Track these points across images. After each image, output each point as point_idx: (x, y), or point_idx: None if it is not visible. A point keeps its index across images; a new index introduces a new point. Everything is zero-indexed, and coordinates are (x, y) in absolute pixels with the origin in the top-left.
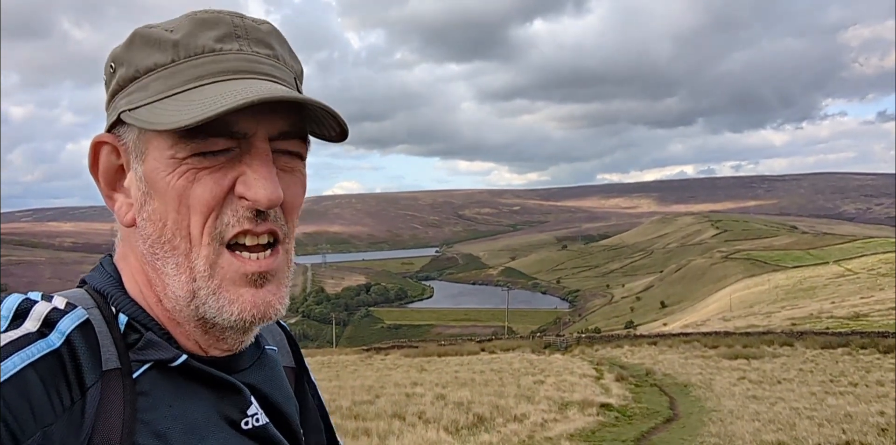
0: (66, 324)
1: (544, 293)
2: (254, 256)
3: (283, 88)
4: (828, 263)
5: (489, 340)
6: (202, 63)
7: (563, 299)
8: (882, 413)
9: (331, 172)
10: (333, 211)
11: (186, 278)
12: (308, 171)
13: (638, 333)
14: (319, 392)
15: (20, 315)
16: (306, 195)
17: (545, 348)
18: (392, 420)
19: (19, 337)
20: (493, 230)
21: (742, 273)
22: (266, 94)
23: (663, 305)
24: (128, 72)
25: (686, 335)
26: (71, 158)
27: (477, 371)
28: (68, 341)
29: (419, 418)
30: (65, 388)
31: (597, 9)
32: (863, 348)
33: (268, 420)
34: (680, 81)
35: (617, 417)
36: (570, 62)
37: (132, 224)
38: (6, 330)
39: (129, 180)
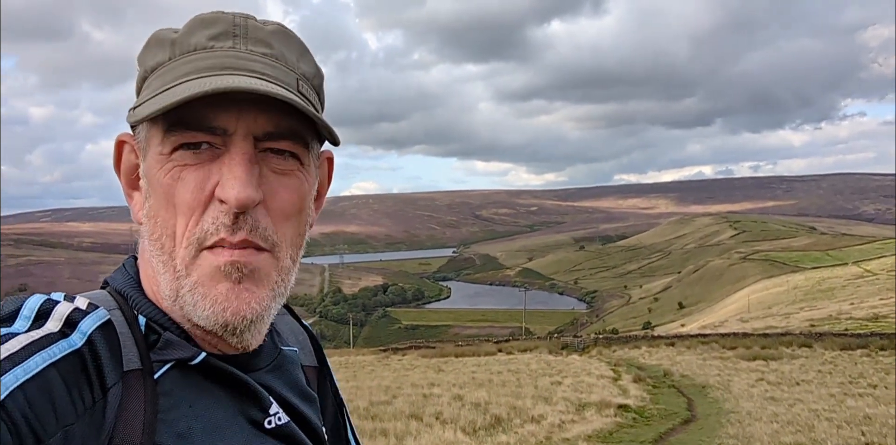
0: (88, 324)
1: (561, 293)
2: (230, 249)
3: (264, 82)
4: (846, 264)
5: (506, 341)
6: (192, 60)
7: (581, 299)
8: None
9: (348, 172)
10: (351, 211)
11: (171, 276)
12: None
13: (656, 334)
14: (341, 393)
15: (42, 316)
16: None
17: (562, 349)
18: (409, 420)
19: (41, 337)
20: (511, 231)
21: (760, 274)
22: (222, 85)
23: (681, 306)
24: (140, 73)
25: (704, 336)
26: (90, 158)
27: (494, 372)
28: (90, 341)
29: (436, 418)
30: (86, 388)
31: (614, 9)
32: (882, 349)
33: (289, 419)
34: (698, 81)
35: (635, 418)
36: (587, 63)
37: (140, 222)
38: (28, 330)
39: (141, 178)
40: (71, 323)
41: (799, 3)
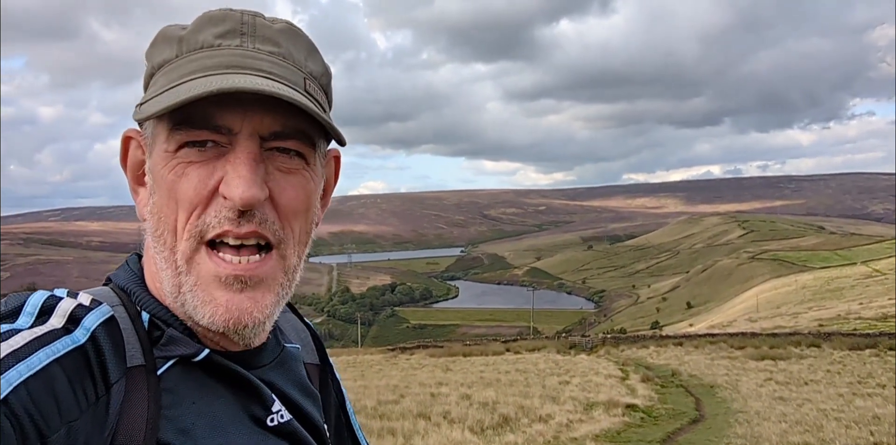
0: (91, 321)
1: (569, 293)
2: (236, 259)
3: (271, 82)
4: (855, 263)
5: (514, 340)
6: (198, 58)
7: (589, 299)
8: None
9: (356, 171)
10: (359, 211)
11: (172, 272)
12: None
13: (664, 333)
14: (343, 389)
15: (46, 312)
16: (332, 195)
17: (570, 348)
18: (417, 419)
19: (45, 333)
20: (519, 230)
21: (769, 274)
22: (227, 84)
23: (689, 305)
24: (148, 69)
25: (712, 335)
26: (99, 158)
27: (502, 372)
28: (93, 337)
29: (444, 418)
30: (90, 384)
31: (622, 9)
32: (891, 349)
33: (292, 417)
34: (706, 80)
35: (643, 418)
36: (596, 62)
37: (144, 219)
38: (32, 327)
39: (147, 174)
40: (74, 319)
41: (807, 3)
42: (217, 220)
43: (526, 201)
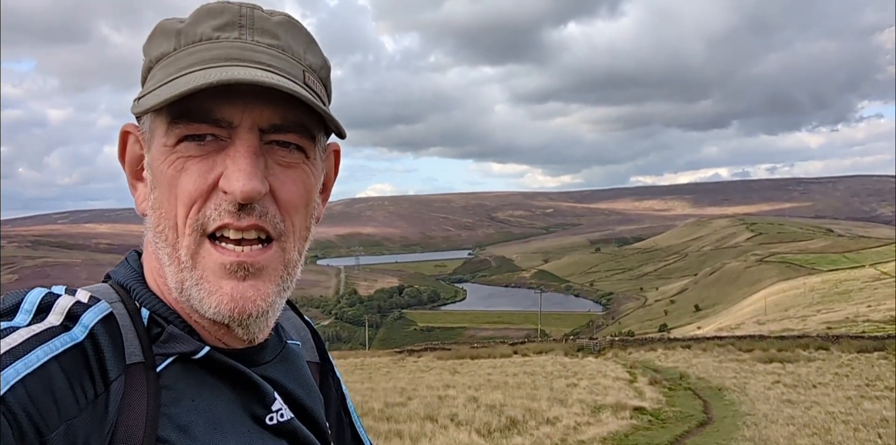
0: (90, 318)
1: (577, 295)
2: (238, 248)
3: (270, 74)
4: (863, 266)
5: (522, 343)
6: (197, 50)
7: (597, 302)
8: None
9: (364, 174)
10: (366, 213)
11: (176, 268)
12: (342, 173)
13: (672, 336)
14: (344, 388)
15: (43, 309)
16: (340, 197)
17: (578, 351)
18: (424, 422)
19: (43, 331)
20: (526, 233)
21: (777, 276)
22: (228, 76)
23: (697, 308)
24: (145, 63)
25: (720, 338)
26: (108, 160)
27: (509, 374)
28: (92, 334)
29: (451, 420)
30: (88, 381)
31: (630, 12)
32: None
33: (293, 416)
34: (714, 83)
35: (650, 421)
36: (603, 65)
37: (144, 214)
38: (30, 324)
39: (145, 169)
40: (72, 317)
41: (815, 5)
42: (217, 213)
43: (533, 203)
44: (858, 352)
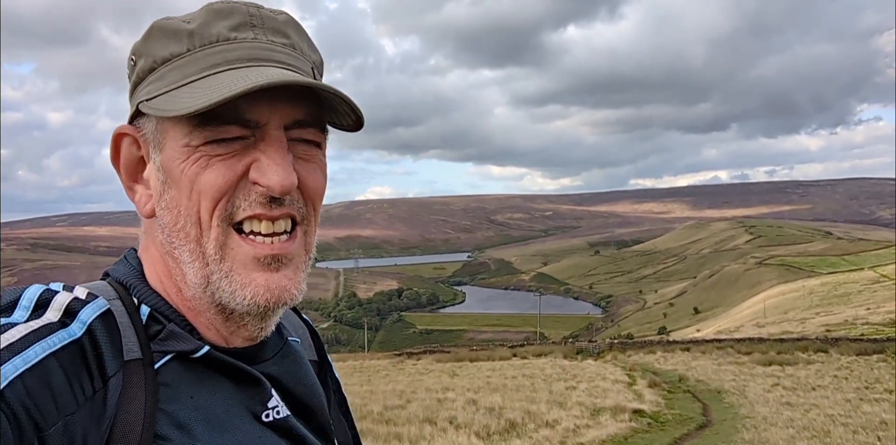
0: (88, 314)
1: (576, 298)
2: (268, 240)
3: (295, 74)
4: (863, 269)
5: (521, 345)
6: (217, 51)
7: (596, 304)
8: None
9: (363, 176)
10: (366, 216)
11: (200, 263)
12: (341, 176)
13: (671, 339)
14: (343, 389)
15: (41, 306)
16: (339, 200)
17: (577, 353)
18: (423, 424)
19: (41, 327)
20: (526, 236)
21: (776, 279)
22: (277, 78)
23: (696, 311)
24: (146, 63)
25: (719, 341)
26: (107, 163)
27: (509, 377)
28: (90, 330)
29: (450, 423)
30: (86, 377)
31: (630, 14)
32: None
33: (289, 413)
34: (713, 86)
35: (649, 423)
36: (603, 68)
37: (151, 215)
38: (28, 320)
39: (149, 170)
40: (70, 313)
41: (815, 8)
42: (248, 203)
43: (533, 206)
44: (857, 355)
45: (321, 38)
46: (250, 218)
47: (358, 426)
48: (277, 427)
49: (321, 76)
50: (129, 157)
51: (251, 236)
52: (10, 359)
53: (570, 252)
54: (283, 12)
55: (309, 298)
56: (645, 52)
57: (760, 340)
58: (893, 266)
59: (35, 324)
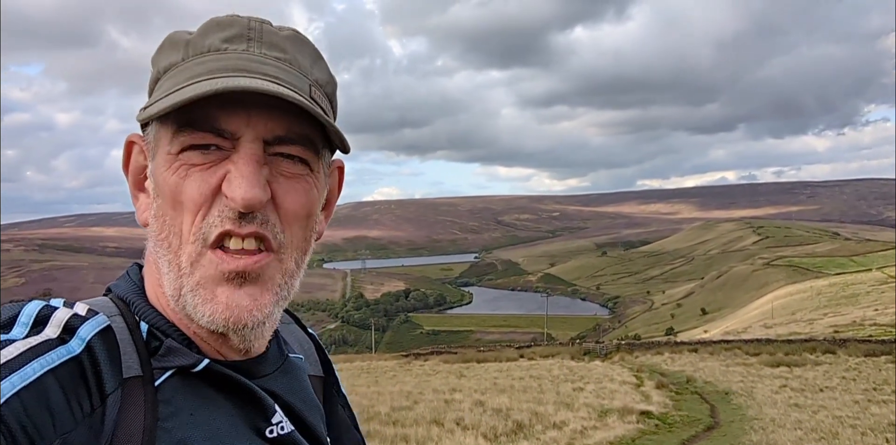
0: (87, 331)
1: (584, 299)
2: (237, 255)
3: (276, 86)
4: (870, 269)
5: (528, 346)
6: (205, 61)
7: (603, 305)
8: None
9: (371, 177)
10: (373, 217)
11: (175, 275)
12: (349, 177)
13: (678, 340)
14: (350, 405)
15: (41, 322)
16: (346, 201)
17: (585, 354)
18: (430, 426)
19: (39, 343)
20: (533, 236)
21: (784, 280)
22: (231, 84)
23: (704, 312)
24: (154, 74)
25: (727, 342)
26: (115, 164)
27: (516, 378)
28: (89, 347)
29: (457, 424)
30: (85, 395)
31: (637, 16)
32: None
33: (293, 428)
34: (720, 86)
35: (657, 425)
36: (610, 69)
37: (146, 224)
38: (26, 336)
39: (148, 179)
40: (70, 329)
41: (822, 10)
42: (219, 219)
43: (540, 207)
44: (866, 356)
45: (328, 40)
46: (222, 235)
47: (365, 427)
48: (282, 443)
49: (326, 95)
50: (137, 165)
51: (221, 250)
52: (7, 376)
53: (578, 253)
54: (289, 29)
55: (316, 299)
56: (652, 53)
57: (768, 341)
58: None
59: (33, 341)
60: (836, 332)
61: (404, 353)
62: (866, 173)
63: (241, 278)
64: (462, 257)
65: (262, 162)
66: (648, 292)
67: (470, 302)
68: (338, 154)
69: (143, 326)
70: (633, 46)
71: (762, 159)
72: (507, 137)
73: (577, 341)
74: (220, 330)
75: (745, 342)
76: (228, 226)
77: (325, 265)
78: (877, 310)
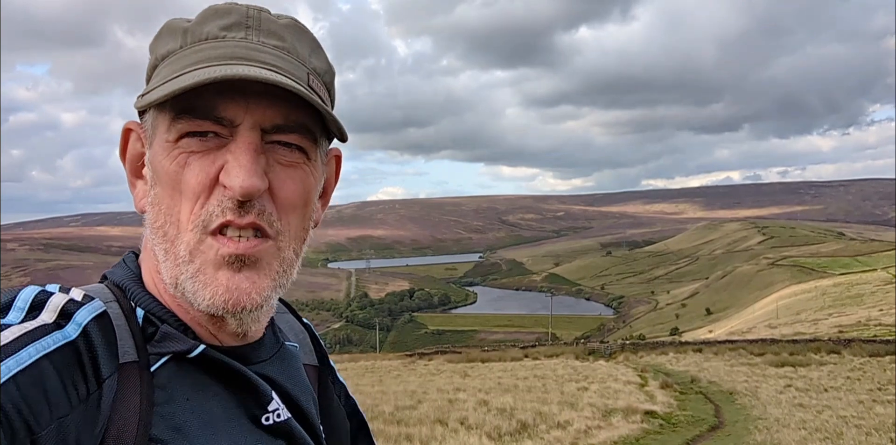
0: (83, 316)
1: (588, 299)
2: (236, 238)
3: (274, 74)
4: (875, 270)
5: (533, 346)
6: (203, 49)
7: (608, 305)
8: None
9: (375, 177)
10: (377, 216)
11: (172, 263)
12: (353, 176)
13: (683, 340)
14: (350, 393)
15: (37, 307)
16: (351, 200)
17: (589, 354)
18: (434, 425)
19: (35, 328)
20: (537, 236)
21: (789, 280)
22: (230, 73)
23: (709, 312)
24: (152, 61)
25: (732, 342)
26: (119, 163)
27: (520, 378)
28: (85, 332)
29: (462, 424)
30: (81, 379)
31: (642, 16)
32: None
33: (290, 416)
34: (725, 86)
35: (661, 424)
36: (615, 68)
37: (143, 211)
38: (22, 321)
39: (146, 166)
40: (66, 314)
41: (826, 9)
42: (220, 209)
43: (544, 206)
44: (870, 356)
45: (333, 40)
46: (223, 225)
47: (369, 427)
48: (278, 430)
49: (324, 84)
50: (134, 152)
51: (222, 237)
52: (3, 361)
53: (582, 253)
54: (288, 17)
55: (321, 298)
56: (657, 53)
57: (773, 341)
58: None
59: (29, 325)
60: (840, 332)
61: (408, 353)
62: (871, 173)
63: (240, 262)
64: (466, 257)
65: (259, 151)
66: (653, 292)
67: (474, 302)
68: (336, 143)
69: (140, 312)
70: (637, 46)
71: (767, 159)
72: (512, 136)
73: (582, 341)
74: (219, 313)
75: (750, 342)
76: (230, 216)
77: (329, 265)
78: (882, 310)
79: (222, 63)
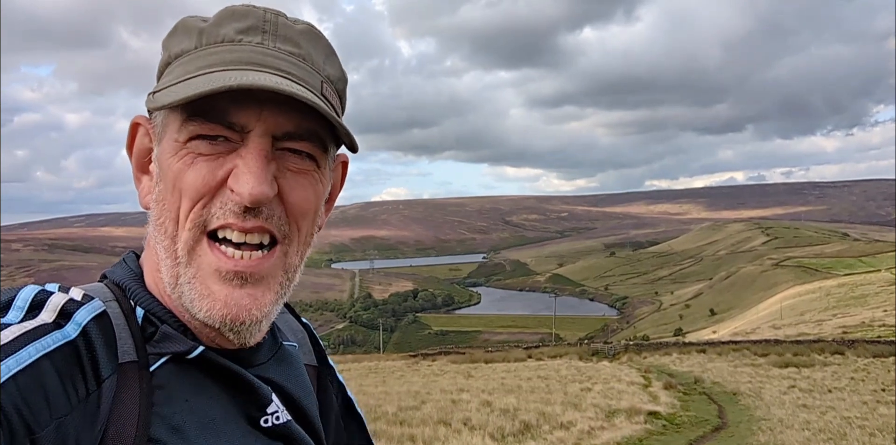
0: (83, 315)
1: (592, 299)
2: (238, 253)
3: (289, 82)
4: (879, 270)
5: (536, 347)
6: (218, 51)
7: (611, 306)
8: None
9: (379, 177)
10: (381, 217)
11: (171, 262)
12: (357, 177)
13: (687, 340)
14: (349, 392)
15: (36, 306)
16: (354, 201)
17: (593, 355)
18: (438, 426)
19: (35, 327)
20: (541, 237)
21: (793, 281)
22: (247, 81)
23: (712, 312)
24: (164, 58)
25: (735, 342)
26: (124, 164)
27: (524, 378)
28: (84, 332)
29: (465, 424)
30: (80, 379)
31: (646, 16)
32: None
33: (290, 418)
34: (729, 87)
35: (665, 425)
36: (618, 69)
37: (147, 207)
38: (22, 321)
39: (153, 162)
40: (65, 314)
41: (830, 10)
42: (222, 212)
43: (548, 207)
44: (874, 357)
45: (338, 41)
46: (223, 227)
47: (372, 427)
48: (276, 432)
49: (337, 92)
50: (141, 147)
51: (222, 245)
52: (2, 360)
53: (586, 253)
54: (304, 22)
55: (324, 299)
56: (660, 54)
57: (777, 342)
58: None
59: (29, 325)
60: (844, 333)
61: (412, 353)
62: (875, 174)
63: (240, 279)
64: (470, 258)
65: (270, 157)
66: (657, 292)
67: (478, 303)
68: (343, 149)
69: (139, 311)
70: (641, 47)
71: (771, 160)
72: (516, 137)
73: (586, 341)
74: (216, 326)
75: (754, 342)
76: (231, 219)
77: (333, 266)
78: (886, 311)
79: (238, 68)
